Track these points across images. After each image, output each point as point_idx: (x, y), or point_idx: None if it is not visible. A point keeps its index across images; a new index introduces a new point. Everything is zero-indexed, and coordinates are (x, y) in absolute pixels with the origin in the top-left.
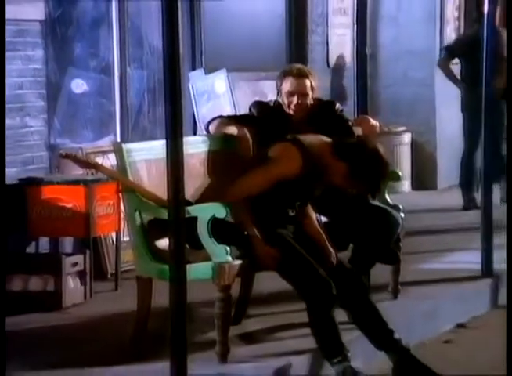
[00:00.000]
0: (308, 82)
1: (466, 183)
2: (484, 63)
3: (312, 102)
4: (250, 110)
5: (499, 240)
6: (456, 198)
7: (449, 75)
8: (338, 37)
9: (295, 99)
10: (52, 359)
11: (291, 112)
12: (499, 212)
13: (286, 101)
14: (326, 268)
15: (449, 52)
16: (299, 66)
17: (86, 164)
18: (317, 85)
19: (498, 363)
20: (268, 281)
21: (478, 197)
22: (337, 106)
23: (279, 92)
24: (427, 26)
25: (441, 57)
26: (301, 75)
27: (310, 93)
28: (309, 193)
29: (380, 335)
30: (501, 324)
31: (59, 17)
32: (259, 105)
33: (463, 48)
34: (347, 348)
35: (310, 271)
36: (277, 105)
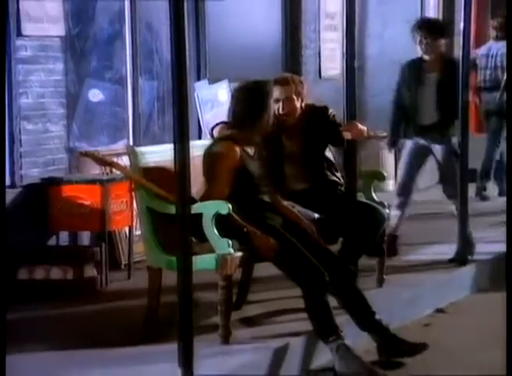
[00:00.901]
0: (291, 88)
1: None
2: (460, 76)
3: (300, 106)
4: None
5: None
6: (434, 196)
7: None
8: (329, 51)
9: (281, 105)
10: (71, 341)
11: (280, 116)
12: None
13: (275, 107)
14: (316, 255)
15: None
16: (286, 75)
17: (103, 161)
18: (306, 91)
19: (472, 344)
20: (266, 270)
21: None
22: (330, 111)
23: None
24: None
25: None
26: (285, 83)
27: (295, 98)
28: (262, 174)
29: (364, 317)
30: (476, 309)
31: (78, 34)
32: None
33: None
34: (340, 328)
35: (304, 261)
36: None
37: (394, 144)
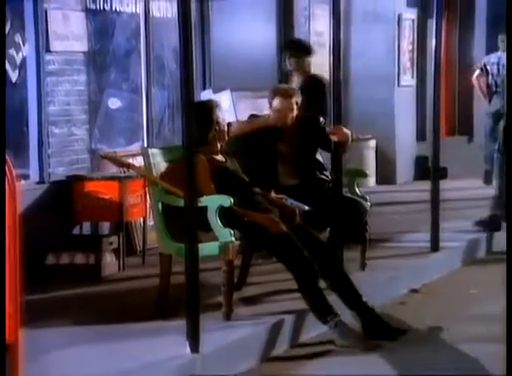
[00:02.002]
0: (293, 100)
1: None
2: (433, 86)
3: (296, 115)
4: None
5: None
6: (410, 190)
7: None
8: (319, 63)
9: (282, 114)
10: (93, 317)
11: (279, 124)
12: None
13: (275, 115)
14: (308, 244)
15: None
16: (286, 87)
17: (120, 163)
18: (299, 101)
19: (441, 318)
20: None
21: None
22: (321, 119)
23: (270, 107)
24: (387, 57)
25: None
26: (288, 95)
27: (294, 108)
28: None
29: (351, 298)
30: (445, 290)
31: (99, 49)
32: (255, 117)
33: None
34: (335, 307)
35: (298, 254)
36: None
37: None
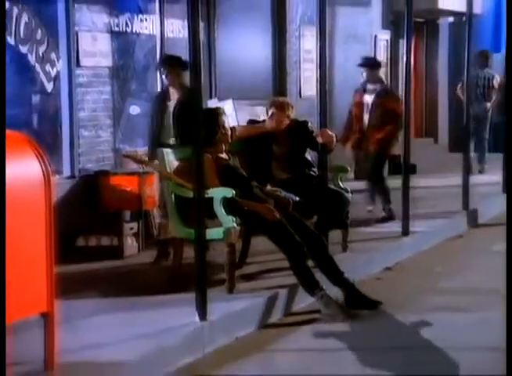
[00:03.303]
0: (286, 112)
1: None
2: (404, 95)
3: (289, 122)
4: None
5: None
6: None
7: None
8: (307, 77)
9: (277, 123)
10: (116, 290)
11: (274, 130)
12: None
13: (271, 123)
14: (299, 230)
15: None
16: (282, 100)
17: (139, 160)
18: (292, 111)
19: (411, 291)
20: (261, 241)
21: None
22: (309, 124)
23: (267, 115)
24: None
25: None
26: (282, 108)
27: (286, 117)
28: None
29: (335, 275)
30: (414, 268)
31: (121, 65)
32: (253, 122)
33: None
34: (321, 283)
35: (290, 237)
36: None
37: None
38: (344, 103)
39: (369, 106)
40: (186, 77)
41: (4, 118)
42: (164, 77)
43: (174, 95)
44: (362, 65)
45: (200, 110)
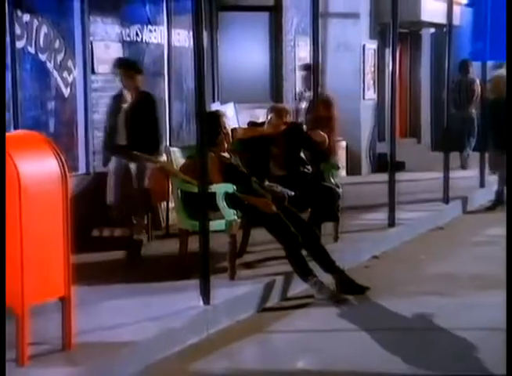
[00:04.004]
0: (282, 119)
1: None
2: (390, 99)
3: (286, 125)
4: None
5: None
6: (372, 179)
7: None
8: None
9: (275, 127)
10: (127, 277)
11: (272, 133)
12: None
13: (270, 127)
14: (294, 222)
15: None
16: (280, 107)
17: (148, 159)
18: (289, 116)
19: (397, 278)
20: (259, 233)
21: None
22: (304, 127)
23: (267, 118)
24: (354, 77)
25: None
26: (280, 113)
27: (283, 123)
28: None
29: (327, 263)
30: (399, 256)
31: None
32: (253, 124)
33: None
34: (314, 270)
35: (286, 229)
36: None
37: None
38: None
39: (304, 112)
40: (140, 80)
41: (4, 118)
42: (118, 80)
43: (128, 98)
44: (302, 69)
45: (203, 111)
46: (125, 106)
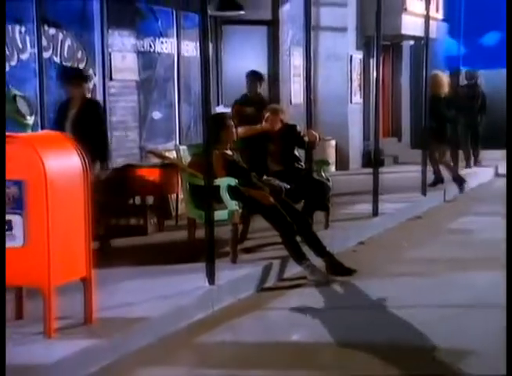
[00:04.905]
0: (278, 117)
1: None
2: (375, 103)
3: (282, 124)
4: None
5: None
6: (359, 174)
7: None
8: (296, 89)
9: (271, 125)
10: (141, 260)
11: (269, 131)
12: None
13: (267, 125)
14: (289, 212)
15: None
16: (275, 106)
17: (160, 156)
18: (284, 115)
19: (381, 261)
20: (258, 221)
21: None
22: (298, 127)
23: (263, 118)
24: (342, 83)
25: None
26: (275, 112)
27: (279, 120)
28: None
29: (318, 248)
30: (383, 242)
31: (146, 78)
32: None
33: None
34: (307, 254)
35: (282, 218)
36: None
37: None
38: (326, 109)
39: (248, 117)
40: (87, 88)
41: (4, 118)
42: (64, 89)
43: (75, 106)
44: (247, 77)
45: (209, 114)
46: (71, 113)
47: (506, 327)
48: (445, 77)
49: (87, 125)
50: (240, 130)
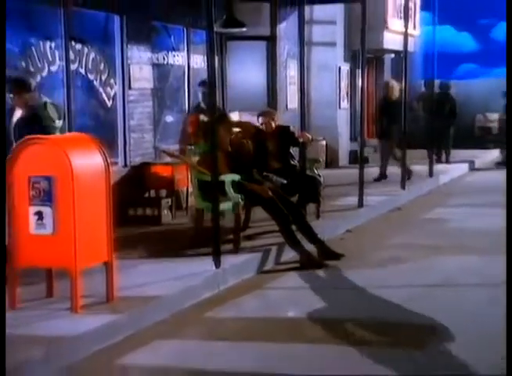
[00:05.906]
0: (270, 118)
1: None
2: (360, 108)
3: (275, 126)
4: None
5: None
6: (348, 170)
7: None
8: (292, 94)
9: (265, 125)
10: (155, 247)
11: (264, 131)
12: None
13: (261, 127)
14: (285, 204)
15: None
16: (266, 110)
17: (172, 155)
18: (277, 117)
19: (366, 247)
20: (258, 212)
21: None
22: (291, 128)
23: (258, 121)
24: (332, 91)
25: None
26: (266, 115)
27: (272, 122)
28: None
29: (311, 236)
30: (367, 231)
31: (160, 87)
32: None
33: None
34: (301, 241)
35: (279, 209)
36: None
37: None
38: (318, 113)
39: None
40: (30, 98)
41: (4, 119)
42: (9, 97)
43: (18, 114)
44: (200, 85)
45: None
46: (14, 121)
47: (506, 326)
48: (396, 85)
49: (26, 133)
50: (239, 124)
